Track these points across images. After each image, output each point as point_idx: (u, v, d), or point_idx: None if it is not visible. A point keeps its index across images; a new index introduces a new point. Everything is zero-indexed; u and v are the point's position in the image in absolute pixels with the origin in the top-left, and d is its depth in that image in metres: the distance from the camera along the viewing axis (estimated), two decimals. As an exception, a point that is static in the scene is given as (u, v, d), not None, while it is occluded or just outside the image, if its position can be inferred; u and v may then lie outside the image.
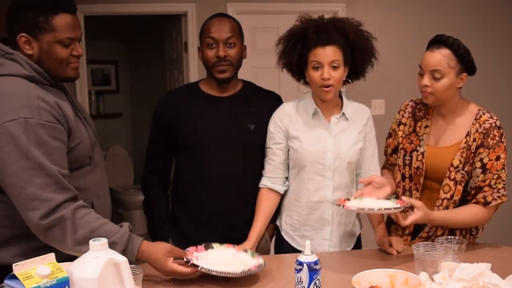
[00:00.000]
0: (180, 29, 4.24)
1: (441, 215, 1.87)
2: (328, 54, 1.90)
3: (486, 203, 1.89)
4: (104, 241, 1.26)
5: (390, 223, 2.13)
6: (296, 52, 1.98)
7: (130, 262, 1.47)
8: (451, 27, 4.24)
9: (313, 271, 1.43)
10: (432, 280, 1.49)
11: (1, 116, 1.47)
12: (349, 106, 2.04)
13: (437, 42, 1.89)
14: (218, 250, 1.78)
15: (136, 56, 6.05)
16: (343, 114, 2.02)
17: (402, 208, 1.74)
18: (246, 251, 1.82)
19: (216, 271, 1.62)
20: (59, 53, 1.59)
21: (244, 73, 2.17)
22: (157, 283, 1.66)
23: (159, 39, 5.26)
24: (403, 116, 2.07)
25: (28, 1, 1.58)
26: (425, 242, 1.67)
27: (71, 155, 1.60)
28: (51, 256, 1.23)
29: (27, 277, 1.15)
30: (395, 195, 2.03)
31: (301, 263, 1.44)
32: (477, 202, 1.90)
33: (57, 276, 1.18)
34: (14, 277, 1.16)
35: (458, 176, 1.90)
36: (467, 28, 4.27)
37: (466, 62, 1.87)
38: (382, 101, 4.22)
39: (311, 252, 1.46)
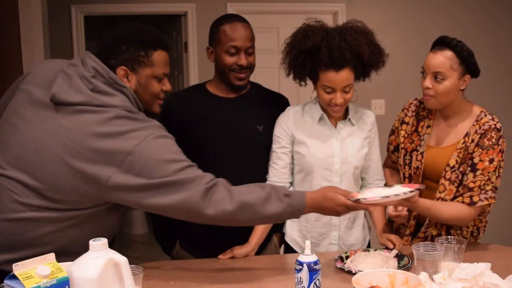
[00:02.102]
0: (180, 29, 4.24)
1: (425, 203, 1.82)
2: (341, 79, 1.85)
3: (471, 203, 1.86)
4: (104, 241, 1.26)
5: (392, 222, 2.12)
6: (307, 69, 1.93)
7: (300, 209, 1.64)
8: (451, 26, 4.26)
9: (313, 271, 1.43)
10: (432, 280, 1.49)
11: (138, 133, 1.53)
12: (354, 111, 2.03)
13: (440, 43, 1.87)
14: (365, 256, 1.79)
15: (136, 56, 6.04)
16: (349, 119, 2.01)
17: (420, 188, 1.77)
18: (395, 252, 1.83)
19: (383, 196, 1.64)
20: (154, 87, 1.67)
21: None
22: (157, 283, 1.66)
23: (159, 39, 5.25)
24: (406, 115, 2.06)
25: (131, 36, 1.65)
26: (425, 242, 1.66)
27: None
28: (51, 256, 1.23)
29: (27, 277, 1.15)
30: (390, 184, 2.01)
31: (301, 263, 1.44)
32: (463, 201, 1.88)
33: (57, 276, 1.18)
34: (14, 277, 1.16)
35: (453, 176, 1.89)
36: (468, 27, 4.28)
37: (469, 64, 1.84)
38: (382, 101, 4.23)
39: (311, 252, 1.46)
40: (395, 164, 2.12)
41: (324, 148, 1.97)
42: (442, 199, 1.91)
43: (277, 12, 4.13)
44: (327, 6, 4.13)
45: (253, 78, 2.27)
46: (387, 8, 4.23)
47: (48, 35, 3.22)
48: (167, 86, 1.71)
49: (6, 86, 2.56)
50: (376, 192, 1.72)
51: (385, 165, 2.17)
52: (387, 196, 1.64)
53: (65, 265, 1.25)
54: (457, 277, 1.45)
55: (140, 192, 1.51)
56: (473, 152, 1.87)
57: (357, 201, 1.65)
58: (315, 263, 1.44)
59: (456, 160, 1.89)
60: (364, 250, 1.87)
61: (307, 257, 1.44)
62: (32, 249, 1.51)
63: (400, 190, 1.69)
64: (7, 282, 1.17)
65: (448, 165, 1.90)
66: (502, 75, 4.34)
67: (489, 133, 1.85)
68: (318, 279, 1.45)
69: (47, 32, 3.21)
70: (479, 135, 1.87)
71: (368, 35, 1.91)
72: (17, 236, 1.53)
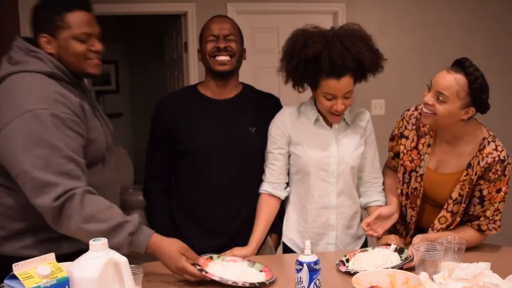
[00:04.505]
0: (180, 29, 4.24)
1: (435, 237, 1.80)
2: (342, 87, 1.84)
3: (479, 231, 1.88)
4: (104, 241, 1.26)
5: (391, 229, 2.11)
6: (307, 77, 1.91)
7: (137, 253, 1.53)
8: (451, 25, 4.27)
9: (313, 271, 1.43)
10: (432, 280, 1.49)
11: (18, 108, 1.52)
12: (348, 110, 2.02)
13: (459, 64, 1.75)
14: (220, 262, 1.75)
15: (136, 56, 6.05)
16: (344, 119, 2.00)
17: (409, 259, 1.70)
18: (252, 264, 1.78)
19: (230, 281, 1.60)
20: (75, 48, 1.64)
21: (244, 73, 2.16)
22: (157, 283, 1.66)
23: (159, 39, 5.25)
24: (406, 128, 1.98)
25: (44, 3, 1.66)
26: (425, 242, 1.66)
27: (85, 152, 1.63)
28: (51, 256, 1.23)
29: (27, 277, 1.15)
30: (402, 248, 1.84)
31: (301, 263, 1.44)
32: (471, 226, 1.89)
33: (57, 276, 1.18)
34: (14, 277, 1.16)
35: (457, 208, 1.86)
36: (468, 26, 4.28)
37: (477, 98, 1.73)
38: (382, 101, 4.22)
39: (311, 252, 1.46)
40: (395, 168, 2.08)
41: (320, 149, 1.97)
42: (444, 229, 1.89)
43: (277, 12, 4.12)
44: (327, 6, 4.12)
45: (253, 78, 2.27)
46: (387, 8, 4.23)
47: (48, 35, 3.22)
48: (96, 46, 1.68)
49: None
50: (226, 270, 1.68)
51: (386, 166, 2.16)
52: (234, 283, 1.60)
53: (65, 265, 1.24)
54: (457, 277, 1.45)
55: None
56: (479, 183, 1.82)
57: (200, 270, 1.62)
58: (315, 263, 1.44)
59: (460, 193, 1.85)
60: (362, 250, 1.86)
61: (307, 257, 1.44)
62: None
63: (393, 260, 1.70)
64: (7, 282, 1.17)
65: (450, 197, 1.86)
66: (503, 72, 4.33)
67: (494, 167, 1.78)
68: (318, 279, 1.45)
69: (47, 32, 3.21)
70: (483, 169, 1.79)
71: (366, 40, 1.90)
72: None
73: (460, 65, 1.75)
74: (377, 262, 1.73)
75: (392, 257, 1.75)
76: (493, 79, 4.41)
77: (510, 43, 4.38)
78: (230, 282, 1.60)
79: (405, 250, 1.79)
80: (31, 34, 1.69)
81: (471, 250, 1.86)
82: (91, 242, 1.25)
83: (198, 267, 1.64)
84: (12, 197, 1.61)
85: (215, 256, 1.78)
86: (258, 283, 1.62)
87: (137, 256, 1.62)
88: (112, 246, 1.51)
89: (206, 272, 1.61)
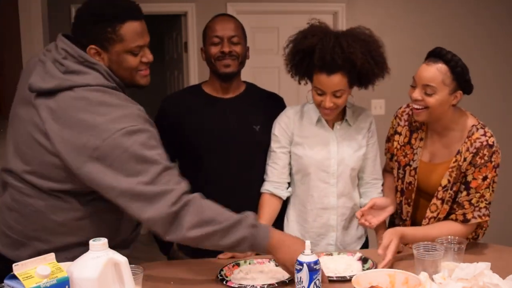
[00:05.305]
0: (180, 29, 4.25)
1: (414, 237, 1.80)
2: (332, 83, 1.84)
3: (465, 220, 1.85)
4: (104, 241, 1.26)
5: (391, 227, 2.11)
6: (302, 68, 1.94)
7: (263, 242, 1.55)
8: (451, 25, 4.27)
9: (313, 271, 1.43)
10: (432, 280, 1.49)
11: (105, 128, 1.45)
12: (351, 111, 2.03)
13: (435, 55, 1.80)
14: (247, 267, 1.75)
15: (136, 56, 6.05)
16: (346, 120, 2.01)
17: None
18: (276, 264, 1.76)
19: (249, 286, 1.59)
20: (129, 62, 1.58)
21: (244, 73, 2.16)
22: (157, 283, 1.66)
23: (159, 39, 5.25)
24: (398, 124, 2.00)
25: (94, 13, 1.55)
26: (425, 242, 1.66)
27: None
28: (51, 256, 1.23)
29: (27, 277, 1.15)
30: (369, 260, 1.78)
31: (301, 263, 1.44)
32: (456, 219, 1.86)
33: (57, 276, 1.18)
34: (14, 277, 1.16)
35: (446, 196, 1.86)
36: (469, 26, 4.28)
37: (462, 81, 1.78)
38: (382, 101, 4.22)
39: (311, 252, 1.46)
40: (394, 170, 2.09)
41: (321, 150, 1.97)
42: (435, 218, 1.90)
43: (277, 12, 4.13)
44: (327, 6, 4.13)
45: (253, 78, 2.27)
46: (386, 8, 4.23)
47: (48, 35, 3.22)
48: (147, 57, 1.61)
49: (5, 86, 2.56)
50: (251, 273, 1.68)
51: (384, 170, 2.15)
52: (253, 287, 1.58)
53: (65, 265, 1.24)
54: (457, 277, 1.46)
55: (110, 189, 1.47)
56: (466, 169, 1.83)
57: (222, 280, 1.63)
58: (315, 263, 1.44)
59: (448, 180, 1.85)
60: (328, 254, 1.85)
61: (307, 257, 1.44)
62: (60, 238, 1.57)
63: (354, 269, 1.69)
64: (7, 282, 1.17)
65: (440, 185, 1.87)
66: (503, 72, 4.34)
67: (481, 151, 1.80)
68: (318, 279, 1.44)
69: (47, 32, 3.21)
70: (471, 154, 1.81)
71: (369, 44, 1.87)
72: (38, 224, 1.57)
73: (436, 55, 1.80)
74: (337, 268, 1.71)
75: (354, 265, 1.73)
76: (493, 79, 4.44)
77: (510, 43, 4.38)
78: (248, 287, 1.59)
79: (369, 260, 1.76)
80: (74, 37, 1.57)
81: (471, 250, 1.86)
82: (91, 242, 1.25)
83: (220, 277, 1.64)
84: (70, 212, 1.56)
85: (241, 261, 1.78)
86: (277, 283, 1.62)
87: (137, 256, 1.62)
88: (230, 243, 1.51)
89: (227, 282, 1.62)
